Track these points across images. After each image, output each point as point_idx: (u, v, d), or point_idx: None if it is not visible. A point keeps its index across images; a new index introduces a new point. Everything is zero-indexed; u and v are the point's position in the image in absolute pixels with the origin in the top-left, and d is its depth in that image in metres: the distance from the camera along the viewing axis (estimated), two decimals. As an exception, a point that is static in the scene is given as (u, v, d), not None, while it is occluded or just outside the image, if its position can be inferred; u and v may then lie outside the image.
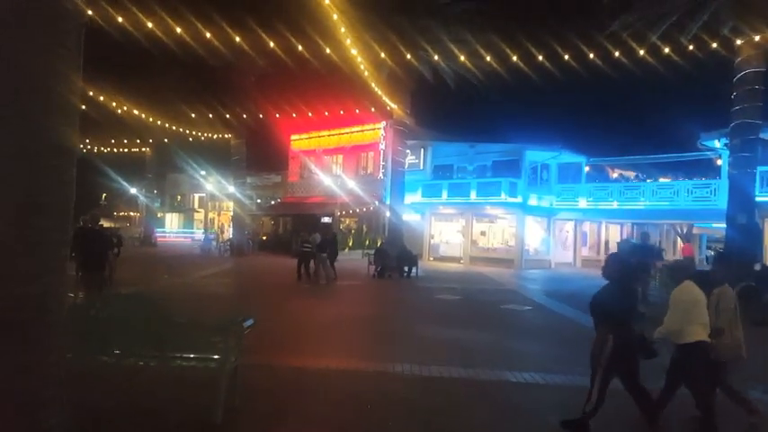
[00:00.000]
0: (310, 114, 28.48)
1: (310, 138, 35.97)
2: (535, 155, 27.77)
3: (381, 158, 31.10)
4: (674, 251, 34.90)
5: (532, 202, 27.54)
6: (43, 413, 3.16)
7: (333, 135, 34.41)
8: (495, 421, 5.63)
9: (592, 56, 16.07)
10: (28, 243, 3.15)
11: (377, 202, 30.05)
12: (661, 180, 29.23)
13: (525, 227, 27.37)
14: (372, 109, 25.59)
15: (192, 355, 5.23)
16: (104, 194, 63.05)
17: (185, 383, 5.58)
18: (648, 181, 28.87)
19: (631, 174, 32.92)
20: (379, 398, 6.08)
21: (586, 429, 4.96)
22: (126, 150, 39.92)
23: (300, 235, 20.52)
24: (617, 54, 15.94)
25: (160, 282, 14.13)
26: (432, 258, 29.55)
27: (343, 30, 16.55)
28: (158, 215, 50.74)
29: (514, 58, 17.67)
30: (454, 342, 9.09)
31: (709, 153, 24.74)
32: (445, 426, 5.44)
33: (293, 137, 37.01)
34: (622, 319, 4.94)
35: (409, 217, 28.59)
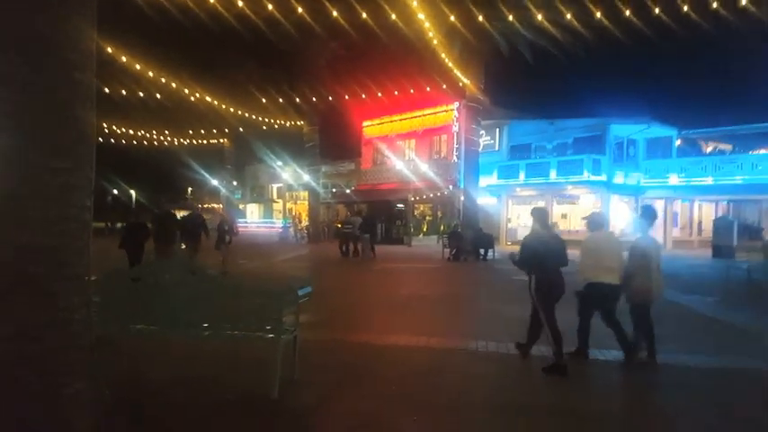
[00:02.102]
0: (380, 95, 28.00)
1: (382, 123, 35.82)
2: (621, 129, 26.10)
3: (455, 141, 30.38)
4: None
5: (618, 179, 25.95)
6: (67, 377, 2.87)
7: (405, 119, 34.06)
8: (574, 398, 5.19)
9: (685, 9, 14.39)
10: (40, 187, 2.82)
11: (451, 187, 29.44)
12: (762, 152, 26.65)
13: (610, 207, 25.82)
14: (444, 86, 24.75)
15: (247, 326, 4.99)
16: (189, 188, 66.30)
17: (241, 356, 5.42)
18: (748, 153, 26.39)
19: (728, 146, 30.28)
20: (448, 374, 5.76)
21: (564, 369, 5.57)
22: (205, 142, 41.34)
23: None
24: (714, 5, 14.13)
25: (235, 267, 14.47)
26: (509, 243, 28.54)
27: (415, 3, 15.97)
28: (240, 206, 52.65)
29: (597, 16, 16.25)
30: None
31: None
32: (522, 401, 5.03)
33: (365, 123, 37.00)
34: (543, 263, 5.74)
35: (485, 200, 27.76)
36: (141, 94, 25.32)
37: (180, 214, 15.04)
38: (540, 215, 6.13)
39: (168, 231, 12.01)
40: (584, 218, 6.73)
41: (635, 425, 4.67)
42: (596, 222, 6.32)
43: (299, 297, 5.14)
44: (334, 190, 40.66)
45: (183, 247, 13.32)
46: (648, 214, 6.47)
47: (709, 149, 30.27)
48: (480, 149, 24.51)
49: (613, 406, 5.08)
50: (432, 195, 30.32)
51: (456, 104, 29.48)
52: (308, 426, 4.44)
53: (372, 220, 22.13)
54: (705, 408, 4.97)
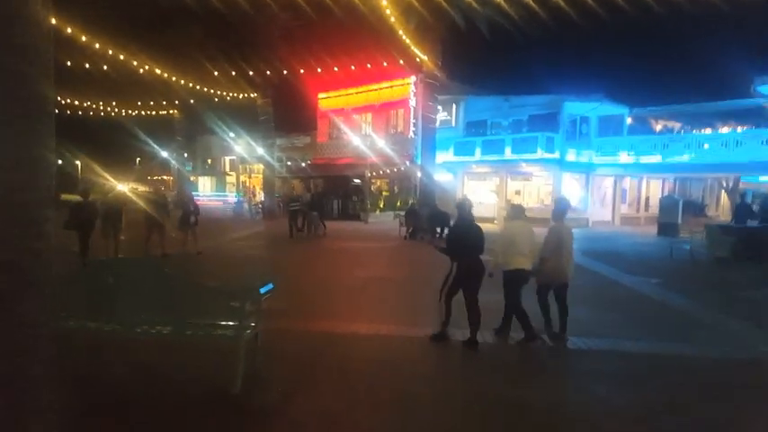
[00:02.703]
0: (336, 69, 27.43)
1: (338, 96, 35.16)
2: (574, 107, 26.42)
3: (412, 116, 30.15)
4: (718, 206, 33.39)
5: (570, 157, 26.38)
6: (33, 391, 2.86)
7: (361, 92, 33.50)
8: (533, 389, 5.23)
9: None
10: (0, 203, 2.74)
11: (408, 162, 29.32)
12: (709, 131, 27.60)
13: (562, 184, 26.30)
14: (401, 61, 24.39)
15: (209, 323, 4.98)
16: (138, 158, 63.98)
17: (203, 352, 5.34)
18: (695, 132, 27.26)
19: (677, 125, 31.21)
20: (408, 364, 5.80)
21: (446, 337, 6.52)
22: (154, 113, 39.83)
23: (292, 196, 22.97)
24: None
25: (189, 245, 14.08)
26: (464, 218, 28.79)
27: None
28: (191, 178, 51.20)
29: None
30: (491, 305, 8.59)
31: (763, 100, 23.01)
32: (480, 392, 5.07)
33: (321, 95, 36.24)
34: (465, 251, 6.40)
35: (441, 177, 27.80)
36: (87, 65, 24.09)
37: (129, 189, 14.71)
38: (464, 206, 6.83)
39: (115, 212, 12.51)
40: (504, 208, 7.21)
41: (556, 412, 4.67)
42: (514, 213, 7.10)
43: (262, 295, 5.13)
44: (289, 163, 39.93)
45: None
46: (563, 205, 7.19)
47: (659, 127, 31.10)
48: (437, 125, 24.41)
49: (542, 394, 5.05)
50: (388, 171, 30.15)
51: (413, 78, 29.17)
52: (272, 422, 4.37)
53: (321, 197, 22.96)
54: (628, 395, 5.06)
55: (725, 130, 26.96)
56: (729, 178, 29.21)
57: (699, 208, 29.85)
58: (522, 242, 6.62)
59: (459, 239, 6.57)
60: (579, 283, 11.05)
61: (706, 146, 24.48)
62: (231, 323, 4.89)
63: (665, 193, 28.97)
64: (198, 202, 15.42)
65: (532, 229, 6.86)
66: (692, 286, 11.27)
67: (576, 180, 27.74)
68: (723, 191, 31.22)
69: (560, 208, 7.10)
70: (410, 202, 24.35)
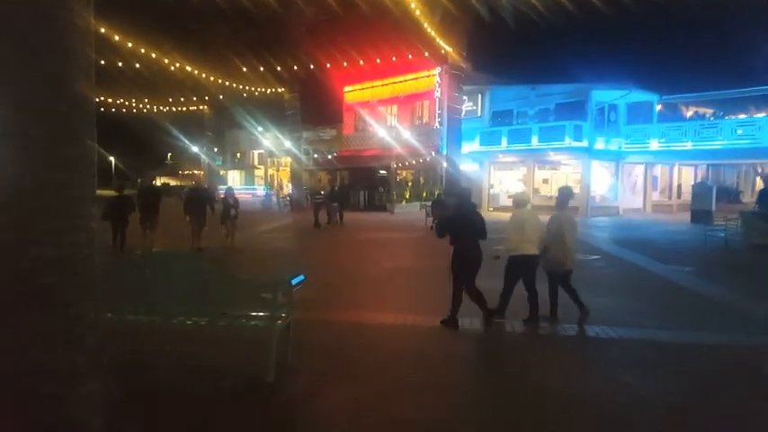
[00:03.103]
0: (362, 63, 27.61)
1: (364, 89, 35.26)
2: (602, 95, 26.04)
3: (437, 107, 30.11)
4: (753, 192, 32.52)
5: (599, 145, 26.04)
6: (79, 380, 3.01)
7: (387, 85, 33.52)
8: (562, 378, 5.19)
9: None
10: (48, 201, 2.88)
11: (433, 153, 29.33)
12: (742, 116, 26.85)
13: (591, 172, 26.01)
14: (426, 54, 24.43)
15: (242, 313, 5.07)
16: (169, 153, 65.12)
17: (236, 342, 5.40)
18: (728, 118, 26.57)
19: (708, 111, 30.46)
20: (436, 353, 5.80)
21: (456, 323, 6.66)
22: (184, 109, 40.49)
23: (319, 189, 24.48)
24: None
25: (228, 239, 14.34)
26: (491, 209, 28.71)
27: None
28: (221, 172, 52.03)
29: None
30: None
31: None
32: (506, 380, 5.11)
33: (347, 88, 36.37)
34: (459, 234, 6.61)
35: (467, 167, 27.77)
36: (120, 64, 24.75)
37: (160, 182, 15.07)
38: (465, 194, 7.20)
39: (152, 204, 12.96)
40: (509, 196, 7.41)
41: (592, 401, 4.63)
42: (520, 201, 7.28)
43: (293, 286, 5.21)
44: (315, 156, 40.25)
45: (188, 220, 13.41)
46: (565, 195, 7.38)
47: (689, 114, 30.42)
48: (462, 116, 24.41)
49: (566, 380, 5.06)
50: (414, 162, 30.21)
51: (438, 69, 29.10)
52: (304, 410, 4.46)
53: (343, 189, 24.48)
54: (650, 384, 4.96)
55: (759, 115, 26.21)
56: (765, 164, 28.45)
57: (733, 194, 29.20)
58: (530, 228, 6.83)
59: (455, 224, 6.73)
60: (609, 272, 11.10)
61: (740, 131, 23.88)
62: (263, 314, 4.96)
63: (698, 180, 28.39)
64: (236, 196, 15.57)
65: (538, 217, 7.07)
66: (726, 274, 11.04)
67: (605, 168, 27.41)
68: (758, 177, 30.44)
69: (562, 198, 7.36)
70: (436, 192, 24.41)
